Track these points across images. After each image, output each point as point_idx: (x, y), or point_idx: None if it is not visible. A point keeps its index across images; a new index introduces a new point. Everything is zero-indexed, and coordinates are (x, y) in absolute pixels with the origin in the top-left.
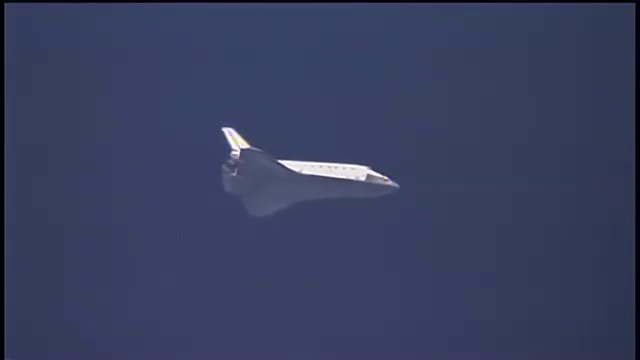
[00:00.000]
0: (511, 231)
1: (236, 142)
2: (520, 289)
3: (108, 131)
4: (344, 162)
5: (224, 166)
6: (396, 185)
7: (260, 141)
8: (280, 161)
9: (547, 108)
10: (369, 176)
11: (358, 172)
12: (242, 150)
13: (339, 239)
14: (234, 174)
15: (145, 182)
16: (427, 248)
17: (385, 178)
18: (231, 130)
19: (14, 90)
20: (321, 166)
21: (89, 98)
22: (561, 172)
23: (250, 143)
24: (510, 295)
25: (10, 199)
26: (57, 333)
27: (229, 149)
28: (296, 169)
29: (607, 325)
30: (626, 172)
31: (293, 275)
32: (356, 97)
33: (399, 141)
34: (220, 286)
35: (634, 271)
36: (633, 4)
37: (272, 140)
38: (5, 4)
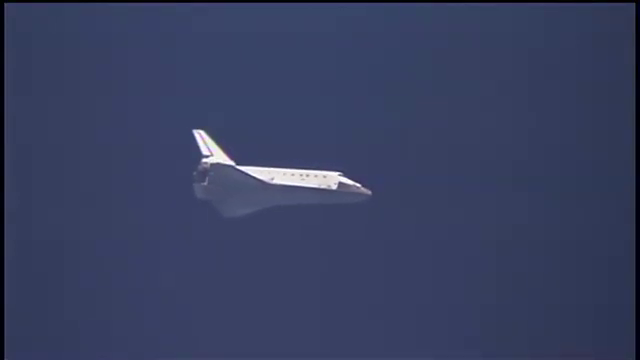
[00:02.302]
0: (508, 233)
1: (206, 145)
2: (517, 290)
3: (104, 129)
4: (317, 167)
5: (195, 174)
6: (368, 192)
7: (230, 143)
8: (252, 167)
9: (547, 108)
10: (341, 184)
11: (330, 180)
12: (213, 165)
13: (311, 242)
14: (205, 183)
15: (117, 183)
16: (402, 251)
17: (357, 185)
18: (202, 132)
19: (14, 90)
20: (293, 174)
21: (88, 98)
22: (560, 172)
23: (220, 146)
24: (509, 296)
25: (10, 199)
26: (57, 333)
27: (199, 152)
28: (267, 176)
29: (607, 325)
30: (626, 172)
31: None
32: (330, 101)
33: (374, 146)
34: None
35: (634, 271)
36: (633, 4)
37: (243, 142)
38: (5, 4)
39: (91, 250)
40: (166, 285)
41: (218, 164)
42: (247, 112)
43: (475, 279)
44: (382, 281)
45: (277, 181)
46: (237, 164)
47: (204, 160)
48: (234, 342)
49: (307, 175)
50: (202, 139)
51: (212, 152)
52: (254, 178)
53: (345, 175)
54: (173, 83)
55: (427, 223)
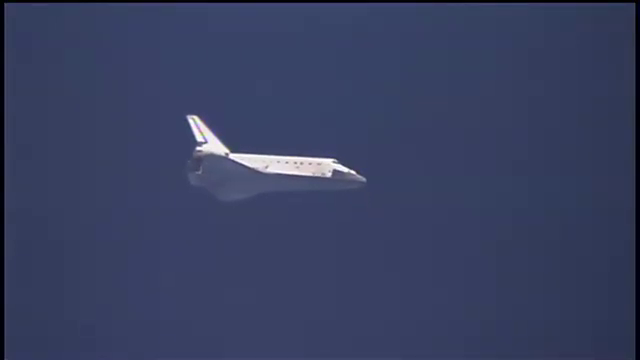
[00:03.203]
0: (508, 233)
1: (201, 133)
2: (516, 289)
3: (104, 127)
4: (312, 154)
5: (189, 162)
6: (363, 179)
7: (225, 129)
8: (246, 155)
9: (547, 108)
10: (335, 172)
11: (324, 168)
12: (206, 155)
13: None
14: (199, 172)
15: (115, 173)
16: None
17: (352, 172)
18: (195, 118)
19: (14, 90)
20: (287, 162)
21: (88, 97)
22: (560, 172)
23: (215, 132)
24: (508, 296)
25: (10, 199)
26: (57, 333)
27: (193, 137)
28: (262, 164)
29: (607, 325)
30: (626, 172)
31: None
32: (326, 87)
33: (370, 132)
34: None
35: (634, 271)
36: (633, 4)
37: (238, 128)
38: (5, 4)
39: (91, 249)
40: (166, 283)
41: (212, 155)
42: (242, 98)
43: (474, 279)
44: (377, 275)
45: (271, 170)
46: (232, 151)
47: (198, 148)
48: (232, 340)
49: (301, 163)
50: (196, 125)
51: (206, 139)
52: (248, 168)
53: (340, 162)
54: (172, 75)
55: (422, 214)
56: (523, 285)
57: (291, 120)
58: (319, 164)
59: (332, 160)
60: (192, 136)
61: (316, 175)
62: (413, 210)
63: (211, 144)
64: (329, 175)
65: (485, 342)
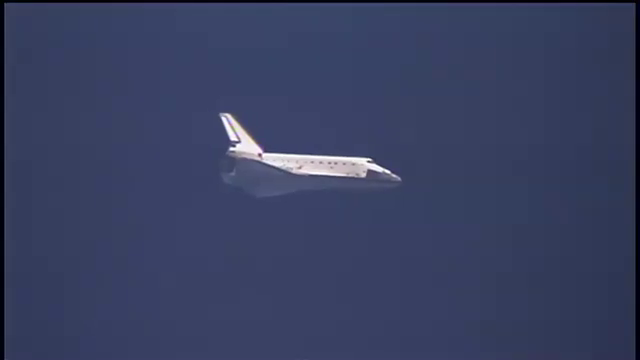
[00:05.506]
0: (508, 233)
1: (234, 131)
2: (521, 288)
3: (108, 125)
4: (346, 154)
5: (222, 162)
6: (398, 179)
7: (257, 128)
8: (280, 155)
9: (547, 108)
10: (369, 172)
11: (358, 168)
12: (239, 160)
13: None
14: (232, 174)
15: (142, 174)
16: (424, 242)
17: (387, 172)
18: (228, 116)
19: (14, 90)
20: (321, 161)
21: (88, 97)
22: (560, 172)
23: (248, 132)
24: (511, 295)
25: (10, 199)
26: (57, 333)
27: (227, 136)
28: (295, 164)
29: (607, 325)
30: (626, 172)
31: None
32: (360, 90)
33: (402, 135)
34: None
35: (634, 271)
36: (633, 4)
37: (272, 127)
38: (5, 4)
39: (92, 250)
40: (165, 285)
41: (244, 160)
42: (277, 97)
43: (474, 280)
44: (392, 277)
45: (305, 170)
46: (265, 150)
47: (231, 149)
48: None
49: (335, 163)
50: (229, 124)
51: (239, 138)
52: (281, 170)
53: (374, 161)
54: (203, 73)
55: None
56: (523, 285)
57: (325, 118)
58: (353, 164)
59: (366, 160)
60: (225, 134)
61: (350, 175)
62: (443, 210)
63: (244, 143)
64: (363, 175)
65: (485, 342)
